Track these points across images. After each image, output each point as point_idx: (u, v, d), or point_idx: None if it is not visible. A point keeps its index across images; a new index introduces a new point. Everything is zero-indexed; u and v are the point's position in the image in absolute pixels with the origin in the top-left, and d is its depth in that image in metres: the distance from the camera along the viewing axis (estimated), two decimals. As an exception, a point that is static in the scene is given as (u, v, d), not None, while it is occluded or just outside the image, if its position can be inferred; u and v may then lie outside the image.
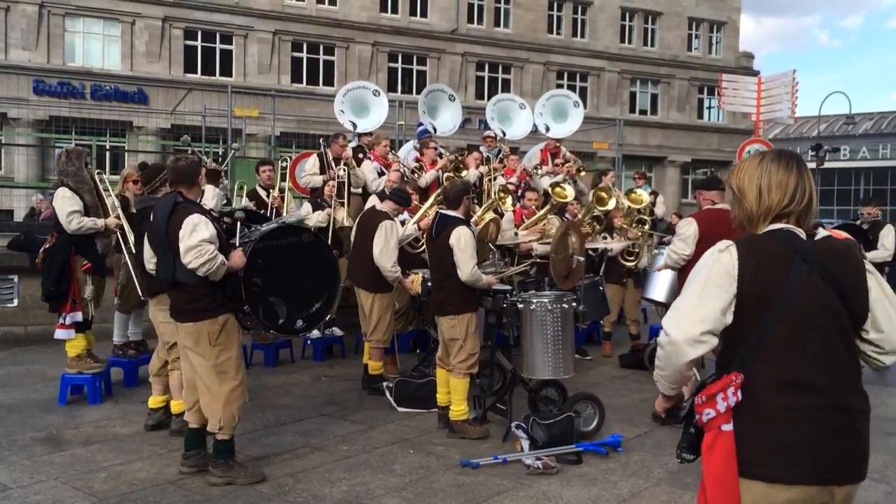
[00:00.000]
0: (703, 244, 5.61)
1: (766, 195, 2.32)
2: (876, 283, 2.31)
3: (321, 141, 8.98)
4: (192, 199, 4.70)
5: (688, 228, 5.95)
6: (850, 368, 2.26)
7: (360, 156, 9.15)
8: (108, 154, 21.00)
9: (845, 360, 2.25)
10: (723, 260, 2.26)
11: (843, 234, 2.80)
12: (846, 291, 2.25)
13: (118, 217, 6.35)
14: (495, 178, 9.35)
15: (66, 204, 6.12)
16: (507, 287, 6.18)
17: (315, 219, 7.96)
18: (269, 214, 7.71)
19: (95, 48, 26.70)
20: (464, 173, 8.99)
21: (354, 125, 9.60)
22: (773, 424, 2.19)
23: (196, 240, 4.36)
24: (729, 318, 2.24)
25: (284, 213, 8.09)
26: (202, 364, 4.56)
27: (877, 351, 2.31)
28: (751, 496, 2.19)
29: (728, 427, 2.21)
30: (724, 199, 5.99)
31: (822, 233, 2.36)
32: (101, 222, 6.26)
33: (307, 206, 8.30)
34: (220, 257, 4.44)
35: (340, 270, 6.23)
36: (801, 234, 2.31)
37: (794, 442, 2.17)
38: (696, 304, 2.24)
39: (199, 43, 27.74)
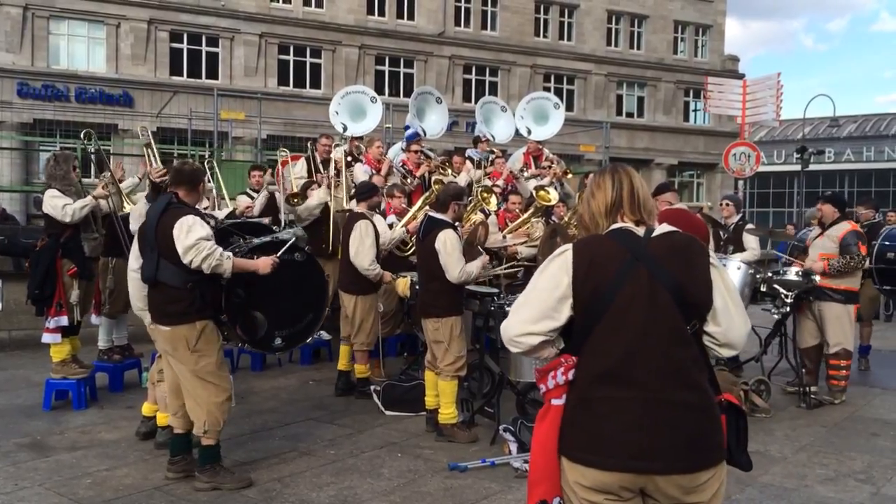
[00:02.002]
0: None
1: (590, 200, 2.54)
2: (719, 278, 2.38)
3: (309, 145, 8.91)
4: (188, 203, 4.66)
5: None
6: (679, 362, 2.30)
7: (349, 159, 9.12)
8: (92, 157, 20.83)
9: (673, 354, 2.30)
10: (557, 262, 2.40)
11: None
12: (683, 286, 2.32)
13: (104, 186, 6.41)
14: (480, 182, 9.35)
15: (56, 201, 6.17)
16: (495, 290, 6.19)
17: (316, 196, 8.06)
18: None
19: (80, 50, 26.50)
20: (450, 178, 8.95)
21: (345, 127, 9.57)
22: (591, 414, 2.31)
23: (193, 238, 4.33)
24: (561, 318, 2.36)
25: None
26: (183, 370, 4.53)
27: (714, 343, 2.40)
28: (572, 476, 2.33)
29: (558, 402, 2.36)
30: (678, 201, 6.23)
31: (663, 228, 2.44)
32: (87, 198, 6.29)
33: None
34: (220, 250, 4.40)
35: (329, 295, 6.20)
36: (639, 231, 2.42)
37: (607, 431, 2.27)
38: (521, 307, 2.43)
39: (184, 45, 27.59)
